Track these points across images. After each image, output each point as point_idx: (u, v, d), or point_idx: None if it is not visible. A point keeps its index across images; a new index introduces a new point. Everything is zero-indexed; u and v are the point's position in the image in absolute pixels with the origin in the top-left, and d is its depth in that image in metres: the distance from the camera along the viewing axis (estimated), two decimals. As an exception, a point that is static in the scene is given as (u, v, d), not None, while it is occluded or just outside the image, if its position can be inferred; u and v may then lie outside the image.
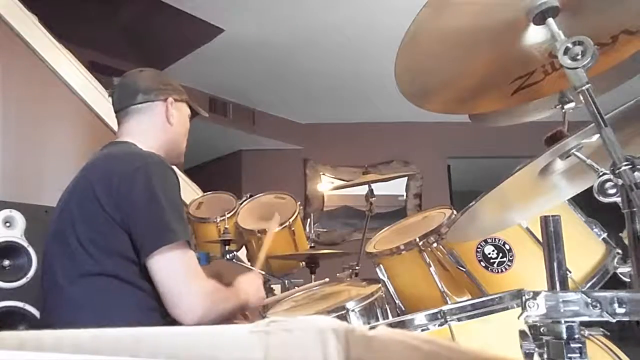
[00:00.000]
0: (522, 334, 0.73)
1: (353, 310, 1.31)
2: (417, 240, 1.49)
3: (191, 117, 1.60)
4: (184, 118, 1.56)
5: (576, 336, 0.68)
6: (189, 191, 3.01)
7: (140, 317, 1.25)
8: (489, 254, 1.26)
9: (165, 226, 1.23)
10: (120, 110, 1.50)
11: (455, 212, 1.60)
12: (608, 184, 0.78)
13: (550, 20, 0.85)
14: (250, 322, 0.38)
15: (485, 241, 1.27)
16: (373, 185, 2.39)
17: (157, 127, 1.48)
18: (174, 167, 1.40)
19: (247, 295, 1.39)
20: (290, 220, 2.23)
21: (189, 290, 1.23)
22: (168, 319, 1.24)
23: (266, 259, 2.18)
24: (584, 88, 0.78)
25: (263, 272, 2.06)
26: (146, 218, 1.25)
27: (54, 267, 1.31)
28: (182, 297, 1.22)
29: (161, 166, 1.31)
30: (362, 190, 2.44)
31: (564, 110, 1.21)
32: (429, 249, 1.48)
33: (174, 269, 1.23)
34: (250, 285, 1.44)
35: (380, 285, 1.48)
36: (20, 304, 1.90)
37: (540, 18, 0.87)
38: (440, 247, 1.47)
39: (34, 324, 1.85)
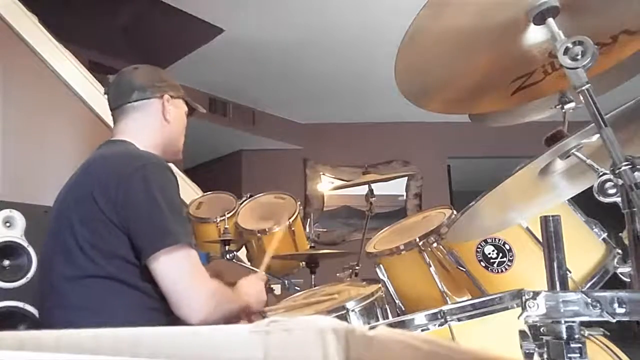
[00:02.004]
0: (522, 334, 0.73)
1: (353, 310, 1.31)
2: (417, 240, 1.49)
3: (189, 114, 1.59)
4: (181, 115, 1.54)
5: (576, 336, 0.68)
6: (189, 191, 3.01)
7: (140, 318, 1.25)
8: (489, 254, 1.26)
9: (165, 228, 1.23)
10: (116, 108, 1.48)
11: (455, 212, 1.59)
12: (608, 184, 0.78)
13: (550, 20, 0.85)
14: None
15: (485, 241, 1.27)
16: (373, 185, 2.39)
17: (154, 124, 1.47)
18: (173, 167, 1.39)
19: (248, 297, 1.39)
20: (290, 220, 2.23)
21: (193, 291, 1.23)
22: (169, 319, 1.25)
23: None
24: (584, 88, 0.78)
25: (266, 274, 2.06)
26: (146, 220, 1.24)
27: (52, 268, 1.31)
28: (187, 297, 1.22)
29: (159, 167, 1.31)
30: (362, 190, 2.44)
31: (564, 110, 1.21)
32: (429, 249, 1.48)
33: (177, 271, 1.23)
34: (251, 287, 1.44)
35: (380, 285, 1.48)
36: (20, 304, 1.90)
37: (540, 18, 0.87)
38: (440, 247, 1.47)
39: (34, 324, 1.85)
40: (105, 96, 1.54)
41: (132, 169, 1.27)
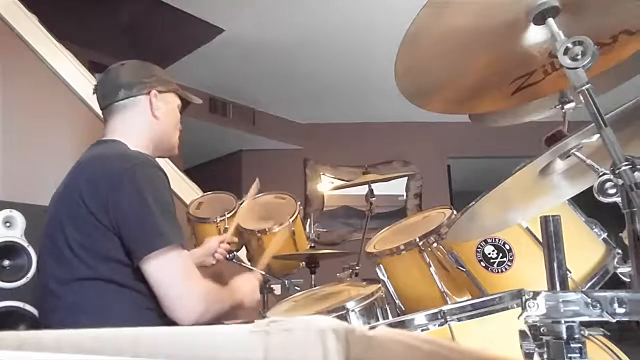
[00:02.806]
0: (522, 334, 0.73)
1: (353, 310, 1.31)
2: (417, 240, 1.49)
3: (183, 107, 1.56)
4: (172, 109, 1.51)
5: (576, 336, 0.68)
6: (189, 191, 3.01)
7: (137, 319, 1.25)
8: (489, 254, 1.26)
9: (156, 230, 1.22)
10: (104, 108, 1.46)
11: (455, 212, 1.59)
12: (608, 184, 0.78)
13: (550, 20, 0.85)
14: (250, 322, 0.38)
15: (485, 241, 1.27)
16: (373, 185, 2.39)
17: (143, 122, 1.44)
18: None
19: (241, 294, 1.39)
20: (290, 220, 2.23)
21: (185, 293, 1.22)
22: (164, 320, 1.24)
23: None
24: (584, 88, 0.78)
25: (263, 273, 2.06)
26: (136, 222, 1.23)
27: (45, 270, 1.31)
28: (179, 299, 1.22)
29: (148, 167, 1.29)
30: (362, 190, 2.44)
31: (564, 110, 1.21)
32: (429, 249, 1.48)
33: (168, 273, 1.22)
34: (245, 285, 1.44)
35: (380, 285, 1.48)
36: (20, 304, 1.89)
37: (540, 18, 0.87)
38: (440, 247, 1.47)
39: (34, 324, 1.85)
40: (94, 95, 1.51)
41: (121, 170, 1.26)
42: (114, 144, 1.40)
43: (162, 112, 1.46)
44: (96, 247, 1.24)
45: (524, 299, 0.68)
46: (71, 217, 1.27)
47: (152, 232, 1.22)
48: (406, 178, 5.64)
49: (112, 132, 1.44)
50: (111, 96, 1.44)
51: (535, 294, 0.68)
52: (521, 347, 0.73)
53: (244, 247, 2.43)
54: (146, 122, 1.45)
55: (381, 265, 1.59)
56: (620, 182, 0.74)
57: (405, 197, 5.75)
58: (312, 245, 2.38)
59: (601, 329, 1.07)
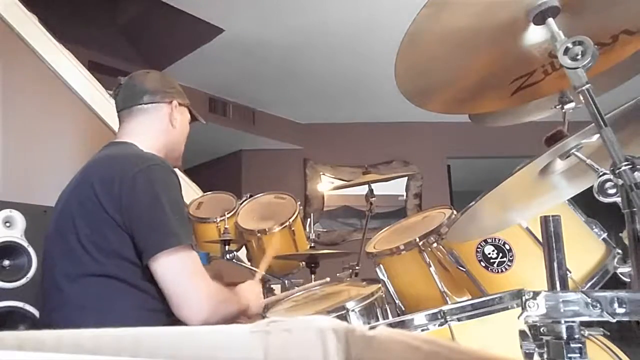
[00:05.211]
0: (522, 334, 0.73)
1: (353, 310, 1.31)
2: (417, 240, 1.49)
3: (189, 123, 1.62)
4: (185, 122, 1.58)
5: (576, 336, 0.68)
6: (189, 191, 3.01)
7: (141, 318, 1.25)
8: (489, 254, 1.26)
9: (168, 229, 1.24)
10: (124, 109, 1.50)
11: (455, 212, 1.59)
12: (608, 184, 0.78)
13: (550, 20, 0.85)
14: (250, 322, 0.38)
15: (485, 241, 1.27)
16: (373, 185, 2.38)
17: (160, 128, 1.50)
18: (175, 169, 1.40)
19: (247, 301, 1.41)
20: (290, 220, 2.23)
21: (194, 292, 1.23)
22: (171, 320, 1.25)
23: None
24: (584, 88, 0.78)
25: (266, 274, 2.07)
26: (149, 221, 1.25)
27: (54, 266, 1.31)
28: (187, 298, 1.23)
29: (163, 168, 1.32)
30: (362, 190, 2.44)
31: (564, 110, 1.21)
32: (429, 249, 1.48)
33: (178, 271, 1.24)
34: (250, 292, 1.46)
35: (380, 285, 1.48)
36: (20, 304, 1.89)
37: (540, 18, 0.87)
38: (440, 247, 1.47)
39: (34, 324, 1.85)
40: (112, 98, 1.56)
41: (137, 169, 1.28)
42: (126, 145, 1.44)
43: (178, 122, 1.53)
44: (106, 244, 1.25)
45: (524, 299, 0.68)
46: (83, 213, 1.29)
47: (164, 231, 1.24)
48: (406, 178, 5.65)
49: (126, 134, 1.48)
50: (134, 99, 1.49)
51: (535, 294, 0.68)
52: (521, 347, 0.73)
53: (244, 247, 2.43)
54: (163, 128, 1.51)
55: (381, 265, 1.59)
56: (620, 182, 0.74)
57: (405, 197, 5.76)
58: (312, 245, 2.38)
59: (601, 329, 1.07)
